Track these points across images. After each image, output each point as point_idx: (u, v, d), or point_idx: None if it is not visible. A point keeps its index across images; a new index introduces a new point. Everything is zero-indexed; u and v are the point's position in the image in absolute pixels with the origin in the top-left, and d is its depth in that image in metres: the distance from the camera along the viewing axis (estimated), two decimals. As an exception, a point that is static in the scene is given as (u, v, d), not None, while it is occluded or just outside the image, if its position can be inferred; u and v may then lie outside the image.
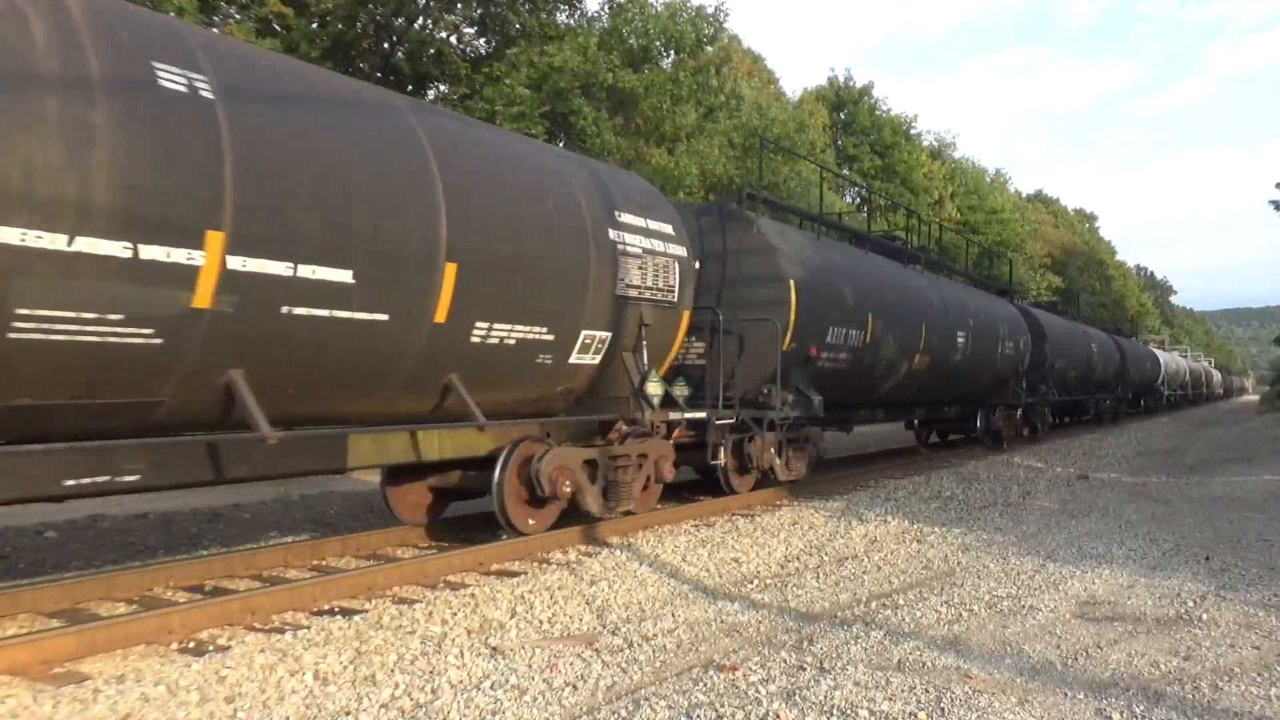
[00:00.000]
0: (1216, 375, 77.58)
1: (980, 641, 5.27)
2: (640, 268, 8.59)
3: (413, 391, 6.74)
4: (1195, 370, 58.18)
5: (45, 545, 7.99)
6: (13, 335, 4.42)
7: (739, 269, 10.82)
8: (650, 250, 8.78)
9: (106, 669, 4.62)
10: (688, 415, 9.58)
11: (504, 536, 7.75)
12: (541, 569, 7.05)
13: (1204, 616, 5.81)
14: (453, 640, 5.20)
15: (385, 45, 18.59)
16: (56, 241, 4.45)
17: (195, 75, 5.08)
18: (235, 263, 5.14)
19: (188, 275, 4.97)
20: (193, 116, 5.00)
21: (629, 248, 8.47)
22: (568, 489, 7.79)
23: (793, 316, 10.56)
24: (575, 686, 4.48)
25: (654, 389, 8.82)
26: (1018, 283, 44.25)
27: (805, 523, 9.37)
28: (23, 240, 4.33)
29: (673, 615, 5.83)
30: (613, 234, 8.33)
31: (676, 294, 9.15)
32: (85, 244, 4.55)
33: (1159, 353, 43.37)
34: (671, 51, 21.93)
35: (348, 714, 4.10)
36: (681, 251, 9.31)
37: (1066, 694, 4.38)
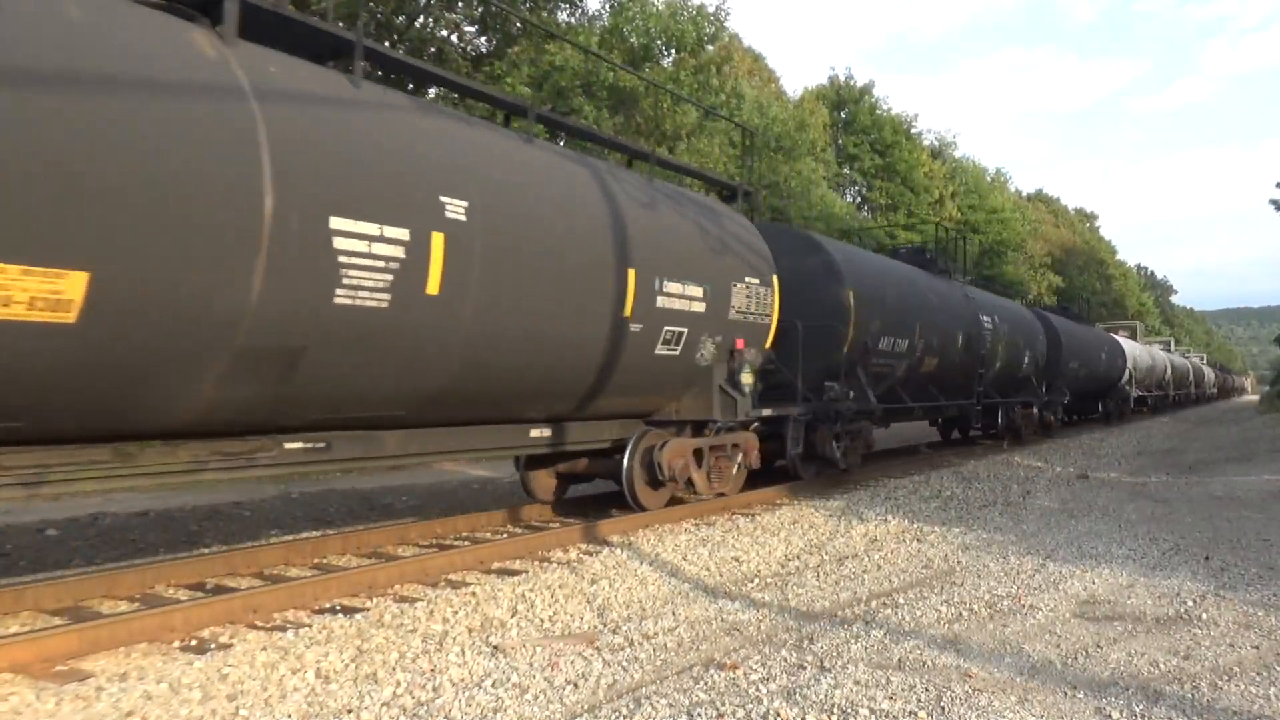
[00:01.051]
0: (1209, 373, 67.15)
1: (980, 640, 5.28)
2: None
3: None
4: (1180, 366, 48.58)
5: (47, 543, 8.00)
6: None
7: None
8: None
9: (109, 667, 4.63)
10: None
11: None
12: (542, 567, 7.06)
13: (1203, 616, 5.82)
14: (454, 638, 5.22)
15: (386, 44, 18.60)
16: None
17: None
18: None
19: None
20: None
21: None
22: None
23: None
24: (576, 685, 4.49)
25: None
26: (1018, 283, 43.75)
27: (805, 522, 9.37)
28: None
29: (673, 614, 5.84)
30: None
31: None
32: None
33: (1126, 343, 34.56)
34: (672, 50, 21.94)
35: (349, 712, 4.11)
36: None
37: (1066, 693, 4.39)
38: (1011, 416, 19.42)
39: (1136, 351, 35.54)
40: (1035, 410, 20.68)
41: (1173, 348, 56.66)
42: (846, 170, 39.84)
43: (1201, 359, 73.09)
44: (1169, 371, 41.71)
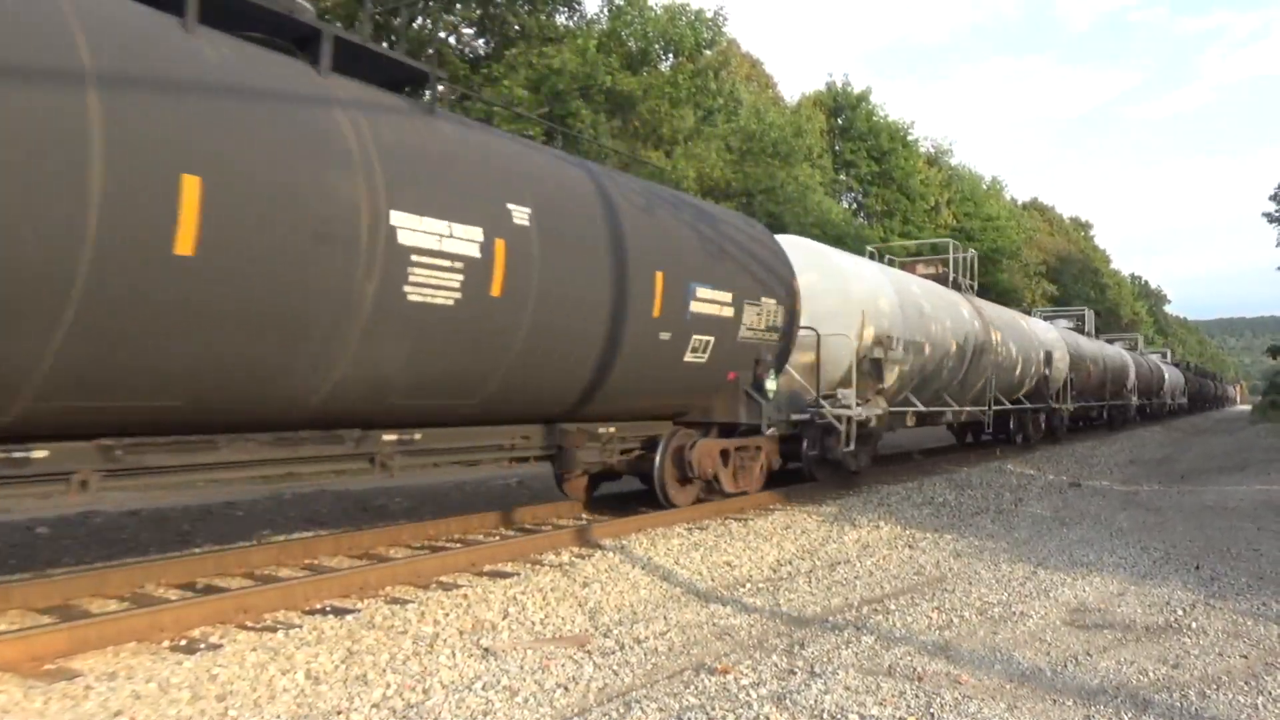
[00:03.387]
0: (1173, 376, 46.34)
1: (971, 647, 5.29)
2: None
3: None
4: (1116, 362, 30.65)
5: (37, 541, 7.98)
6: None
7: None
8: None
9: (98, 666, 4.61)
10: None
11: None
12: (534, 570, 7.06)
13: (1193, 625, 5.84)
14: (445, 640, 5.21)
15: (383, 45, 18.60)
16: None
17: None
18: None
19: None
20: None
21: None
22: None
23: None
24: (567, 688, 4.49)
25: None
26: (1012, 291, 43.73)
27: (798, 527, 9.38)
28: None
29: (665, 618, 5.84)
30: None
31: None
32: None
33: (888, 275, 14.09)
34: (670, 54, 21.98)
35: (339, 713, 4.10)
36: None
37: (1055, 700, 4.40)
38: None
39: (936, 302, 14.96)
40: None
41: (1093, 330, 32.42)
42: (843, 176, 39.94)
43: (1164, 356, 51.81)
44: (1054, 364, 21.81)
